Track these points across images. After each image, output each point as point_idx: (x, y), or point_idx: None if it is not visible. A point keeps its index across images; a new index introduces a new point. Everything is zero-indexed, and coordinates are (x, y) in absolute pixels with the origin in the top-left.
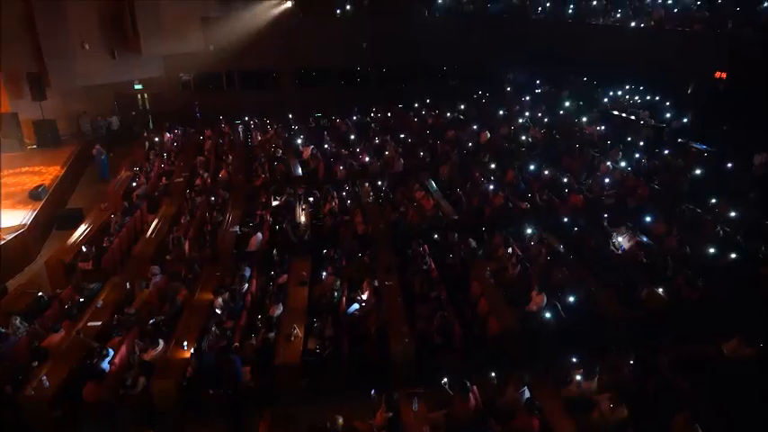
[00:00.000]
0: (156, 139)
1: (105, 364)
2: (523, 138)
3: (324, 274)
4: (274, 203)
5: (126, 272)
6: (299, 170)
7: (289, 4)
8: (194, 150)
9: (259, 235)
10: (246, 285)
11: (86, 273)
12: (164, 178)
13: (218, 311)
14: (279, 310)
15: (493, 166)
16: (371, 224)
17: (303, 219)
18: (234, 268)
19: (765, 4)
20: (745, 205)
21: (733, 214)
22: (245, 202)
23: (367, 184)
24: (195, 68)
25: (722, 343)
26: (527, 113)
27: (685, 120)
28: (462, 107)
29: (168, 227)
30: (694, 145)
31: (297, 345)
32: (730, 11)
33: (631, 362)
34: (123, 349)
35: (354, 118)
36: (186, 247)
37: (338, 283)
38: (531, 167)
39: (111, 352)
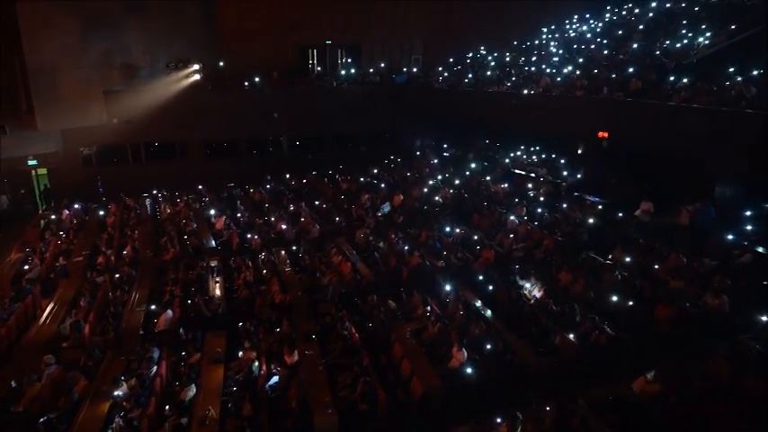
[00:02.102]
0: (53, 216)
1: None
2: (435, 198)
3: (242, 352)
4: None
5: (13, 365)
6: (212, 242)
7: (197, 77)
8: (96, 227)
9: (169, 312)
10: (155, 368)
11: None
12: (61, 258)
13: (122, 400)
14: (191, 392)
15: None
16: (289, 292)
17: (218, 291)
18: (141, 351)
19: (631, 69)
20: (636, 251)
21: (628, 259)
22: (153, 278)
23: (283, 252)
24: (97, 142)
25: (631, 382)
26: (437, 175)
27: (579, 175)
28: (375, 172)
29: (66, 311)
30: (588, 198)
31: (212, 428)
32: (605, 78)
33: (549, 409)
34: None
35: (268, 186)
36: (86, 331)
37: (255, 356)
38: (447, 229)
39: None
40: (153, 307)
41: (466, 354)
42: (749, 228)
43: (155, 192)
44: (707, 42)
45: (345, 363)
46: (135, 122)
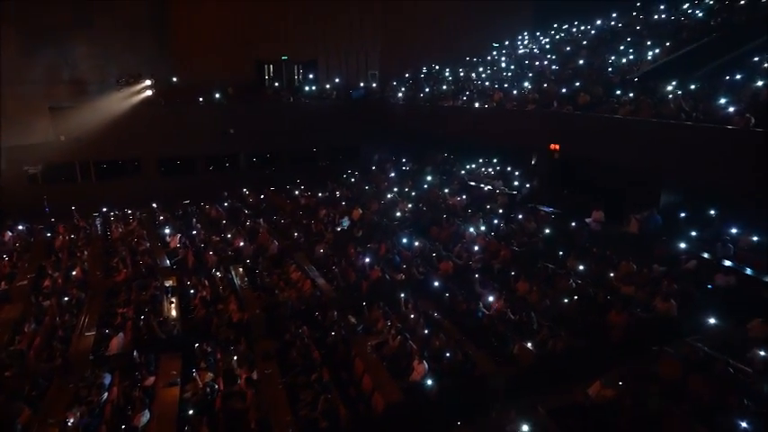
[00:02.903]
0: None
1: None
2: (394, 212)
3: (195, 370)
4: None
5: None
6: (167, 261)
7: (149, 93)
8: (42, 249)
9: (121, 335)
10: (106, 395)
11: None
12: (2, 282)
13: (71, 430)
14: (145, 417)
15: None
16: (247, 311)
17: (173, 312)
18: (91, 377)
19: (577, 84)
20: (590, 258)
21: (581, 267)
22: (103, 300)
23: (241, 270)
24: (43, 160)
25: (587, 387)
26: (395, 189)
27: (533, 186)
28: (333, 186)
29: (9, 338)
30: (542, 208)
31: None
32: (555, 92)
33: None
34: None
35: (225, 203)
36: (31, 357)
37: (212, 378)
38: (404, 240)
39: None
40: (105, 331)
41: (427, 366)
42: (693, 234)
43: (105, 210)
44: (648, 58)
45: (306, 380)
46: (84, 140)
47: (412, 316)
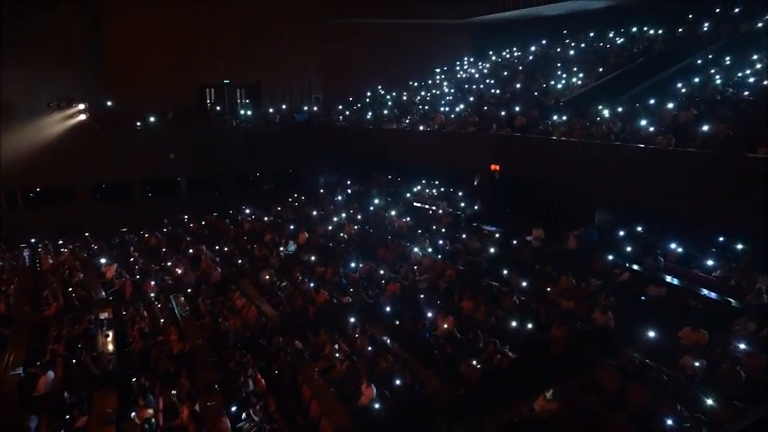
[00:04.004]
0: None
1: None
2: (340, 234)
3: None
4: None
5: None
6: (102, 292)
7: (83, 117)
8: None
9: (50, 373)
10: None
11: None
12: None
13: None
14: None
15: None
16: (189, 341)
17: (109, 346)
18: (16, 420)
19: (517, 108)
20: (532, 275)
21: (524, 284)
22: (31, 336)
23: (182, 298)
24: None
25: (532, 402)
26: (341, 212)
27: (476, 207)
28: (279, 210)
29: None
30: (486, 227)
31: None
32: (494, 115)
33: None
34: None
35: (165, 230)
36: None
37: (152, 414)
38: (352, 264)
39: None
40: (33, 369)
41: (375, 389)
42: (626, 248)
43: (34, 241)
44: (579, 83)
45: (250, 410)
46: (10, 166)
47: (358, 337)
